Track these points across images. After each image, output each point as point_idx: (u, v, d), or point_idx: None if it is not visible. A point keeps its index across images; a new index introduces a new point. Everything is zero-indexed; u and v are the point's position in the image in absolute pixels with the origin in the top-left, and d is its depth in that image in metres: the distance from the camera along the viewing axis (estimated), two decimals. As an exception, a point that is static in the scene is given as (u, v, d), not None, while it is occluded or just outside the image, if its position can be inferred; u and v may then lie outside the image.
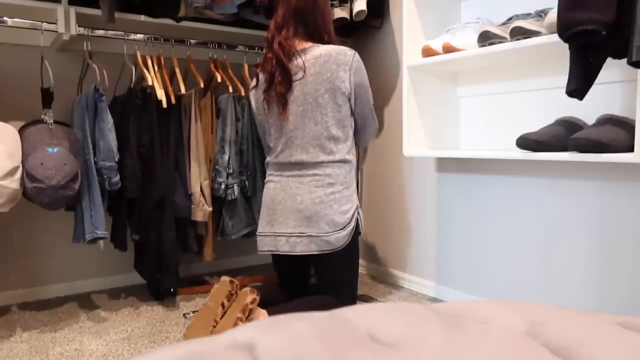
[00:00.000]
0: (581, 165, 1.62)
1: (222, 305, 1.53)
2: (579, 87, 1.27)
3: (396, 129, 2.30)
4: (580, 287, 1.63)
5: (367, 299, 2.11)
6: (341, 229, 1.65)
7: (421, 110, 1.93)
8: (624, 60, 1.23)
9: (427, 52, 1.79)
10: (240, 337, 0.39)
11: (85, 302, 2.09)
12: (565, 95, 1.37)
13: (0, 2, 1.73)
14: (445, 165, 2.09)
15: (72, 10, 1.83)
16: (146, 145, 1.96)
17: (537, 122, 1.75)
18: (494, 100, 1.89)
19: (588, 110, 1.59)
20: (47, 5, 1.81)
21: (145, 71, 1.99)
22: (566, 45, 1.29)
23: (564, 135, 1.47)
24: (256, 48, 2.31)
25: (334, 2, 2.16)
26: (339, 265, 1.69)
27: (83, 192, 1.79)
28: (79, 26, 1.86)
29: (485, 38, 1.59)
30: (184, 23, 2.07)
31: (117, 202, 2.01)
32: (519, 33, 1.49)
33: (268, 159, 1.81)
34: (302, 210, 1.65)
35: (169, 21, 2.04)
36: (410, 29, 1.90)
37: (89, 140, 1.82)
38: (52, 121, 1.77)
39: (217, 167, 2.10)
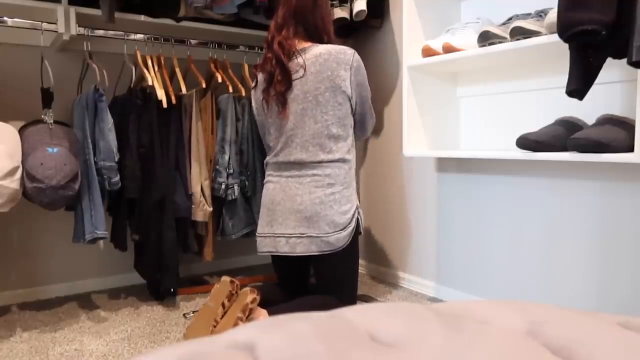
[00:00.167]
0: (581, 165, 1.62)
1: (223, 305, 1.53)
2: (579, 87, 1.27)
3: (396, 129, 2.30)
4: (580, 287, 1.63)
5: (367, 299, 2.11)
6: (341, 230, 1.65)
7: (421, 110, 1.93)
8: (624, 60, 1.23)
9: (427, 52, 1.79)
10: (240, 337, 0.39)
11: (85, 302, 2.09)
12: (565, 95, 1.37)
13: (1, 2, 1.73)
14: (445, 165, 2.09)
15: (72, 10, 1.83)
16: (146, 145, 1.96)
17: (537, 122, 1.75)
18: (494, 100, 1.89)
19: (588, 110, 1.59)
20: (47, 5, 1.81)
21: (145, 71, 1.99)
22: (566, 45, 1.29)
23: (564, 135, 1.47)
24: (256, 48, 2.31)
25: (334, 2, 2.16)
26: (339, 265, 1.69)
27: (83, 192, 1.79)
28: (79, 26, 1.86)
29: (485, 38, 1.59)
30: (184, 23, 2.07)
31: (117, 202, 2.01)
32: (519, 33, 1.49)
33: (267, 158, 1.80)
34: (301, 210, 1.65)
35: (169, 21, 2.04)
36: (410, 29, 1.90)
37: (89, 140, 1.82)
38: (52, 121, 1.77)
39: (217, 167, 2.10)
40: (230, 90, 2.16)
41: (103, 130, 1.83)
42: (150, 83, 1.95)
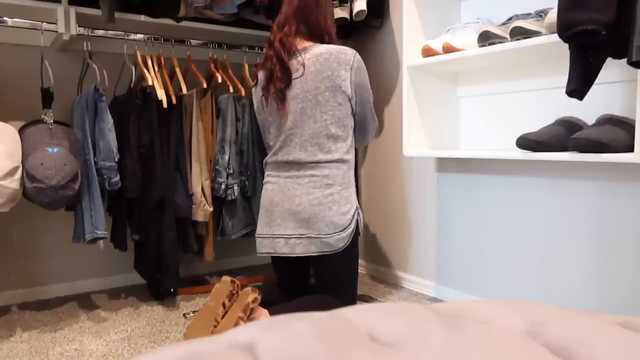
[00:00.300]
0: (581, 165, 1.62)
1: (223, 305, 1.53)
2: (579, 87, 1.27)
3: (396, 129, 2.30)
4: (580, 287, 1.63)
5: (367, 299, 2.11)
6: (341, 231, 1.64)
7: (421, 110, 1.93)
8: (624, 60, 1.23)
9: (427, 52, 1.79)
10: (240, 337, 0.39)
11: (85, 302, 2.09)
12: (565, 95, 1.37)
13: (1, 2, 1.73)
14: (445, 165, 2.09)
15: (72, 10, 1.83)
16: (146, 145, 1.96)
17: (537, 122, 1.75)
18: (494, 100, 1.89)
19: (588, 110, 1.59)
20: (47, 5, 1.81)
21: (145, 71, 1.99)
22: (566, 45, 1.29)
23: (564, 135, 1.47)
24: (256, 48, 2.31)
25: (334, 2, 2.16)
26: (339, 266, 1.69)
27: (83, 192, 1.79)
28: (79, 26, 1.86)
29: (485, 38, 1.59)
30: (184, 23, 2.07)
31: (117, 202, 2.01)
32: (519, 33, 1.49)
33: (267, 158, 1.80)
34: (300, 212, 1.64)
35: (169, 21, 2.04)
36: (410, 29, 1.90)
37: (89, 140, 1.82)
38: (52, 121, 1.77)
39: (217, 167, 2.10)
40: (231, 90, 2.16)
41: (103, 130, 1.83)
42: (150, 83, 1.95)
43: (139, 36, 2.06)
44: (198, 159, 2.07)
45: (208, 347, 0.37)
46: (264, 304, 1.59)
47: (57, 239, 2.15)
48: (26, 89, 2.05)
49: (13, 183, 1.59)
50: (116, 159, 1.85)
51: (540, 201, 1.74)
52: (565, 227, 1.66)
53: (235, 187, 2.13)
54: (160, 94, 1.93)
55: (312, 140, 1.66)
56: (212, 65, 2.16)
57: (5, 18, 1.78)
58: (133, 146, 1.93)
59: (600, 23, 1.15)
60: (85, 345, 1.63)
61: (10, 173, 1.59)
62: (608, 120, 1.41)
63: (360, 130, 1.80)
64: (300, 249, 1.65)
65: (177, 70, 2.11)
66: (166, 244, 1.97)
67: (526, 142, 1.50)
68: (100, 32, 1.97)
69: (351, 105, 1.69)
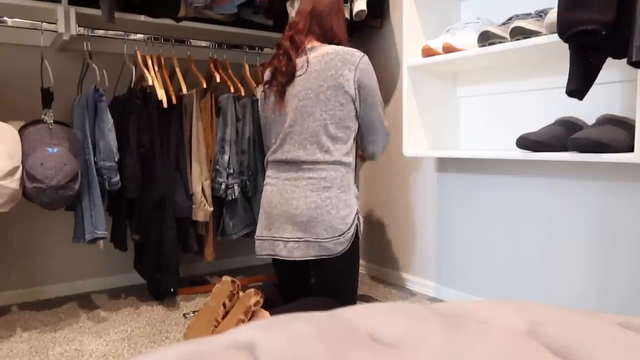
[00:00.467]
0: (581, 165, 1.62)
1: (224, 305, 1.53)
2: (579, 87, 1.27)
3: (396, 129, 2.30)
4: (580, 287, 1.63)
5: (367, 299, 2.11)
6: (340, 236, 1.61)
7: (421, 110, 1.93)
8: (624, 60, 1.23)
9: (427, 52, 1.79)
10: (240, 337, 0.39)
11: (85, 302, 2.09)
12: (565, 95, 1.37)
13: (1, 2, 1.73)
14: (445, 165, 2.09)
15: (72, 10, 1.83)
16: (146, 145, 1.96)
17: (537, 122, 1.75)
18: (494, 100, 1.89)
19: (588, 110, 1.59)
20: (47, 5, 1.81)
21: (145, 71, 1.99)
22: (566, 45, 1.29)
23: (564, 135, 1.47)
24: (256, 48, 2.31)
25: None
26: (339, 269, 1.67)
27: (83, 192, 1.79)
28: (79, 26, 1.86)
29: (485, 38, 1.59)
30: (184, 23, 2.07)
31: (117, 202, 2.01)
32: (519, 33, 1.49)
33: (267, 156, 1.80)
34: (297, 215, 1.63)
35: (169, 21, 2.04)
36: (410, 29, 1.90)
37: (89, 140, 1.82)
38: (52, 121, 1.77)
39: (217, 167, 2.10)
40: (231, 90, 2.16)
41: (103, 130, 1.83)
42: (150, 83, 1.95)
43: (139, 36, 2.06)
44: (198, 159, 2.07)
45: (208, 347, 0.37)
46: (265, 304, 1.59)
47: (57, 239, 2.15)
48: (26, 89, 2.05)
49: (13, 183, 1.59)
50: (116, 159, 1.85)
51: (540, 201, 1.74)
52: (565, 227, 1.66)
53: (236, 187, 2.13)
54: (160, 94, 1.93)
55: (311, 139, 1.64)
56: (212, 65, 2.16)
57: (5, 18, 1.78)
58: (133, 146, 1.93)
59: (600, 23, 1.15)
60: (85, 345, 1.63)
61: (10, 173, 1.59)
62: (608, 120, 1.41)
63: (366, 138, 1.74)
64: (299, 253, 1.63)
65: (177, 70, 2.11)
66: (166, 244, 1.97)
67: (526, 142, 1.50)
68: (100, 32, 1.97)
69: (355, 107, 1.66)
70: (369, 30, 2.40)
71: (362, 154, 1.94)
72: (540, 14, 1.53)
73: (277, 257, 1.68)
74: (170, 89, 2.01)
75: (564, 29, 1.22)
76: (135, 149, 1.93)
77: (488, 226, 1.92)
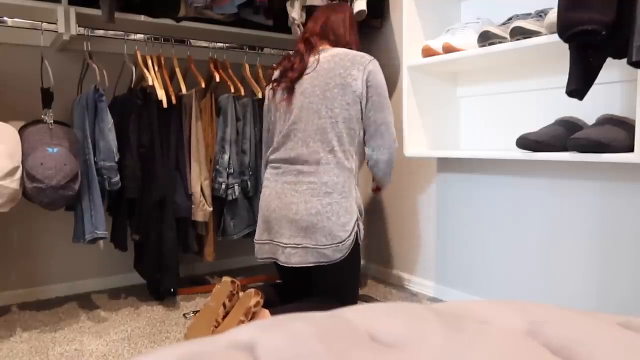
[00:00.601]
0: (581, 165, 1.62)
1: (224, 305, 1.53)
2: (579, 87, 1.27)
3: (397, 129, 2.30)
4: (580, 287, 1.63)
5: (367, 299, 2.11)
6: (339, 243, 1.59)
7: (421, 110, 1.93)
8: (624, 60, 1.23)
9: (427, 52, 1.79)
10: (240, 337, 0.39)
11: (85, 302, 2.09)
12: (565, 95, 1.37)
13: (1, 2, 1.73)
14: (445, 165, 2.09)
15: (72, 10, 1.83)
16: (146, 145, 1.96)
17: (537, 122, 1.75)
18: (494, 100, 1.89)
19: (588, 110, 1.59)
20: (47, 5, 1.81)
21: (145, 71, 1.99)
22: (566, 45, 1.29)
23: (564, 135, 1.47)
24: (256, 48, 2.31)
25: (334, 2, 2.16)
26: (339, 274, 1.66)
27: (83, 192, 1.79)
28: (79, 26, 1.86)
29: (485, 38, 1.59)
30: (184, 23, 2.07)
31: (117, 202, 2.01)
32: (519, 33, 1.49)
33: (268, 154, 1.78)
34: (297, 220, 1.60)
35: (169, 21, 2.04)
36: (410, 29, 1.90)
37: (89, 140, 1.82)
38: (52, 121, 1.77)
39: (217, 167, 2.10)
40: (231, 90, 2.16)
41: (103, 130, 1.83)
42: (150, 83, 1.95)
43: (139, 36, 2.06)
44: (197, 159, 2.07)
45: (208, 347, 0.37)
46: (265, 303, 1.59)
47: (57, 239, 2.15)
48: (26, 89, 2.05)
49: (13, 183, 1.59)
50: (116, 159, 1.85)
51: (540, 201, 1.74)
52: (565, 227, 1.66)
53: (236, 187, 2.13)
54: (160, 94, 1.93)
55: (314, 137, 1.63)
56: (212, 65, 2.16)
57: (5, 18, 1.78)
58: (133, 146, 1.93)
59: (600, 23, 1.15)
60: (85, 345, 1.63)
61: (10, 173, 1.59)
62: (608, 120, 1.41)
63: (371, 143, 1.69)
64: (296, 259, 1.61)
65: (177, 70, 2.11)
66: (166, 244, 1.97)
67: (526, 142, 1.50)
68: (100, 32, 1.97)
69: (361, 108, 1.65)
70: (369, 30, 2.40)
71: (376, 186, 1.92)
72: (540, 14, 1.53)
73: (276, 261, 1.68)
74: (170, 89, 2.01)
75: (564, 29, 1.22)
76: (135, 149, 1.93)
77: (488, 226, 1.92)
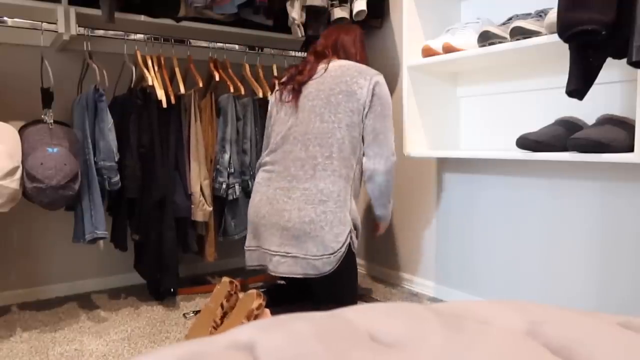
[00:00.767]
0: (581, 165, 1.62)
1: (222, 306, 1.53)
2: (579, 87, 1.27)
3: (396, 129, 2.30)
4: (580, 287, 1.63)
5: (367, 299, 2.11)
6: (330, 254, 1.54)
7: (421, 110, 1.93)
8: (624, 60, 1.23)
9: (427, 52, 1.79)
10: (240, 337, 0.39)
11: (85, 302, 2.09)
12: (565, 95, 1.37)
13: (1, 2, 1.73)
14: (445, 165, 2.09)
15: (72, 10, 1.83)
16: (146, 145, 1.96)
17: (537, 122, 1.75)
18: (494, 100, 1.89)
19: (588, 110, 1.59)
20: (47, 5, 1.81)
21: (145, 71, 1.99)
22: (566, 45, 1.29)
23: (564, 135, 1.47)
24: (256, 48, 2.31)
25: (334, 2, 2.16)
26: (333, 282, 1.63)
27: (83, 192, 1.79)
28: (79, 26, 1.86)
29: (485, 38, 1.59)
30: (184, 23, 2.07)
31: (117, 202, 2.01)
32: (519, 33, 1.49)
33: (264, 154, 1.78)
34: (289, 228, 1.57)
35: (169, 21, 2.04)
36: (410, 29, 1.90)
37: (89, 140, 1.82)
38: (52, 121, 1.77)
39: (218, 166, 2.10)
40: (232, 90, 2.16)
41: (103, 130, 1.83)
42: (150, 83, 1.95)
43: (139, 36, 2.06)
44: (197, 159, 2.07)
45: (208, 347, 0.37)
46: (267, 303, 1.58)
47: (57, 239, 2.15)
48: (26, 89, 2.05)
49: (13, 183, 1.59)
50: (116, 159, 1.85)
51: (540, 201, 1.74)
52: (565, 227, 1.66)
53: (237, 187, 2.13)
54: (160, 94, 1.93)
55: (314, 141, 1.62)
56: (212, 65, 2.16)
57: (5, 18, 1.78)
58: (133, 146, 1.93)
59: (600, 23, 1.15)
60: (85, 345, 1.63)
61: (10, 173, 1.59)
62: (608, 120, 1.41)
63: (368, 151, 1.67)
64: (284, 269, 1.58)
65: (177, 70, 2.11)
66: (166, 244, 1.97)
67: (526, 142, 1.50)
68: (100, 32, 1.97)
69: (362, 118, 1.65)
70: (369, 30, 2.40)
71: (375, 224, 1.91)
72: (540, 14, 1.53)
73: (265, 268, 1.67)
74: (170, 89, 2.01)
75: (564, 29, 1.22)
76: (135, 149, 1.93)
77: (488, 226, 1.92)
